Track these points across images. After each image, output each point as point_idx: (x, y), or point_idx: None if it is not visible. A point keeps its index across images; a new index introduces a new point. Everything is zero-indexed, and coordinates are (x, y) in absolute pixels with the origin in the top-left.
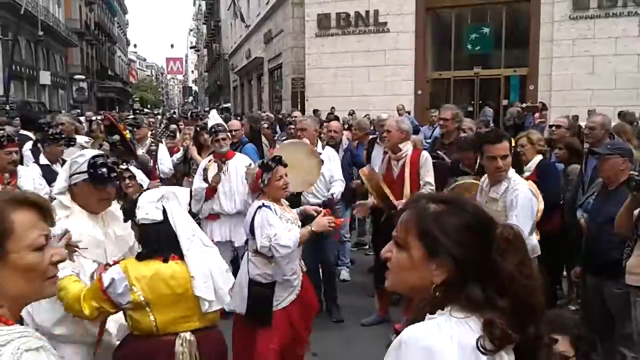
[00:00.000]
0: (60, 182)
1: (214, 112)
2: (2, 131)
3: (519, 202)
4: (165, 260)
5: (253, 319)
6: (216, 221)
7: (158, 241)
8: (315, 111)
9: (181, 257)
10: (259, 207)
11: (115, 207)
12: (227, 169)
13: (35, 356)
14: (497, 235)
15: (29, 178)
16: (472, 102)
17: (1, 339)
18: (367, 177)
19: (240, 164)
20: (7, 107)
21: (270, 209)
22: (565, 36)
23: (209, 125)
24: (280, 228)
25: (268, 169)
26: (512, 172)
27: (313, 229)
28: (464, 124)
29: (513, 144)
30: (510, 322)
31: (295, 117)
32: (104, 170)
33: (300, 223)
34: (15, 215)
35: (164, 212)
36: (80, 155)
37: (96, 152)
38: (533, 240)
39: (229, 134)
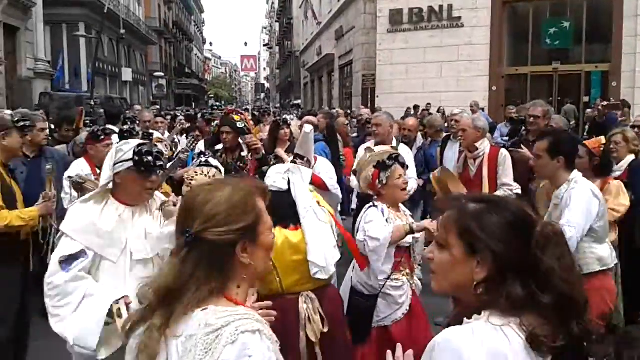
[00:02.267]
0: (106, 171)
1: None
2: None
3: (573, 200)
4: (286, 227)
5: (350, 330)
6: None
7: (281, 208)
8: (415, 107)
9: (297, 224)
10: (368, 207)
11: (157, 202)
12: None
13: (251, 338)
14: (537, 232)
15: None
16: (551, 98)
17: (223, 320)
18: (435, 180)
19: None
20: (92, 103)
21: (377, 208)
22: None
23: None
24: (378, 222)
25: (385, 167)
26: (575, 174)
27: (412, 226)
28: (553, 121)
29: (603, 142)
30: (553, 320)
31: (362, 115)
32: (150, 158)
33: (419, 236)
34: (259, 202)
35: (289, 183)
36: (125, 143)
37: (141, 141)
38: (600, 252)
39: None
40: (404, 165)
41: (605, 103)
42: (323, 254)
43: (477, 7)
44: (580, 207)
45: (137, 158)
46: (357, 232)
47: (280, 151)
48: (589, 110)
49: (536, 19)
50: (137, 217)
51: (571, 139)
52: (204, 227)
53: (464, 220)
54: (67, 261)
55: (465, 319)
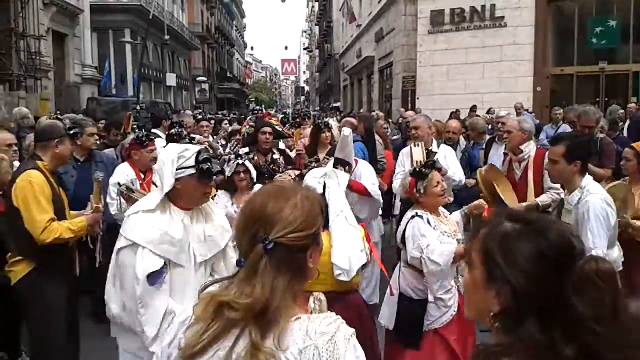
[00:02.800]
0: (169, 177)
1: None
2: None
3: (591, 215)
4: None
5: (400, 336)
6: None
7: None
8: (473, 107)
9: (326, 227)
10: (412, 216)
11: (211, 206)
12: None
13: (355, 341)
14: (577, 268)
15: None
16: (597, 99)
17: (332, 326)
18: (480, 177)
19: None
20: (138, 107)
21: (423, 218)
22: None
23: None
24: (434, 239)
25: (422, 176)
26: (587, 180)
27: None
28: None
29: None
30: None
31: (405, 118)
32: (210, 164)
33: (460, 236)
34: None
35: (324, 187)
36: (185, 149)
37: (199, 147)
38: (612, 255)
39: None
40: (441, 170)
41: None
42: (347, 257)
43: (520, 6)
44: (601, 224)
45: (199, 165)
46: (401, 240)
47: (321, 155)
48: (621, 111)
49: (581, 17)
50: (195, 221)
51: (587, 143)
52: (283, 233)
53: (488, 242)
54: (155, 277)
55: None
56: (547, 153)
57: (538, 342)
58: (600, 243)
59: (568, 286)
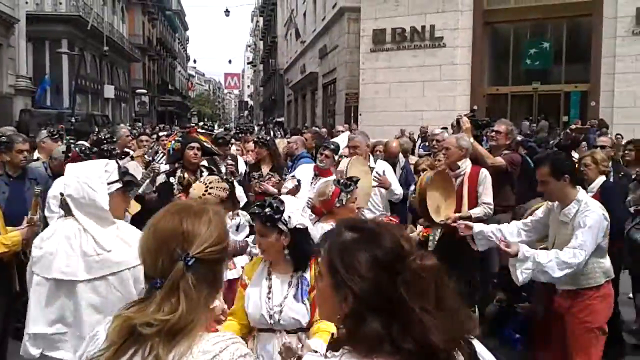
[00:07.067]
0: (103, 193)
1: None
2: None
3: (587, 222)
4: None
5: None
6: None
7: (309, 243)
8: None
9: None
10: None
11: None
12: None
13: None
14: (405, 266)
15: None
16: (531, 117)
17: (219, 345)
18: (420, 183)
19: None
20: (73, 120)
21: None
22: (628, 52)
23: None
24: None
25: (348, 188)
26: (583, 195)
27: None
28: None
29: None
30: None
31: (340, 131)
32: (130, 177)
33: None
34: None
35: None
36: (107, 164)
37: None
38: (605, 264)
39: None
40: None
41: (573, 126)
42: None
43: (458, 28)
44: (594, 232)
45: (124, 179)
46: None
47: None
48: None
49: (517, 39)
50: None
51: (568, 157)
52: (202, 249)
53: (330, 254)
54: None
55: (330, 350)
56: (483, 169)
57: (377, 339)
58: (587, 247)
59: (400, 285)
